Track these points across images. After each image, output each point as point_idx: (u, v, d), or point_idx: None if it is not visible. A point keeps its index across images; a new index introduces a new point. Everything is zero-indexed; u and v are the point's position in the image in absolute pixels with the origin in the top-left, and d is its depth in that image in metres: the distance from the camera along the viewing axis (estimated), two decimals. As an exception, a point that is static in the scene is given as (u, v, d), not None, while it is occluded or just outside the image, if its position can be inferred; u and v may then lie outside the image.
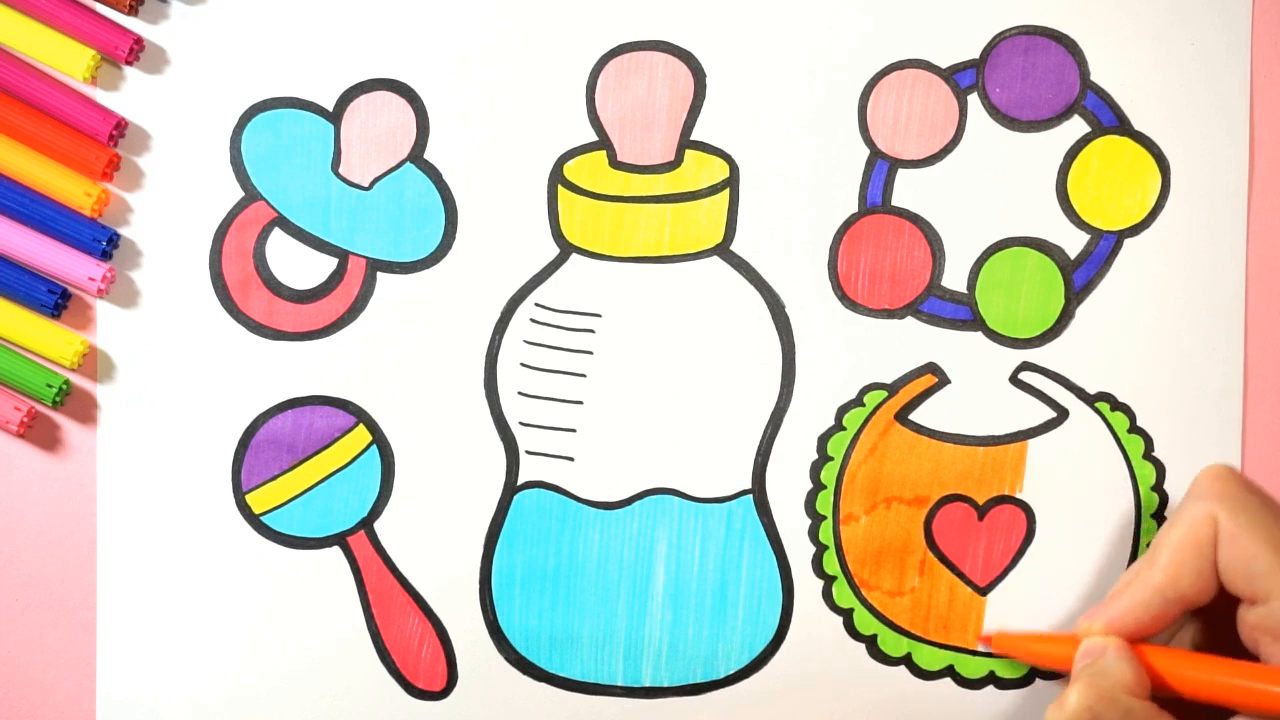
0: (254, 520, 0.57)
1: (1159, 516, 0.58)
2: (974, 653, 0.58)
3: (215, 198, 0.57)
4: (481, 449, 0.57)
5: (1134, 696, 0.50)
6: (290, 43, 0.57)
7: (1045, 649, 0.54)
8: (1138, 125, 0.58)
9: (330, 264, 0.57)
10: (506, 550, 0.57)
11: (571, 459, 0.57)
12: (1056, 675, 0.58)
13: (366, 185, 0.57)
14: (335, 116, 0.57)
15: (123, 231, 0.57)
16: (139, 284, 0.57)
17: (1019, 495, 0.58)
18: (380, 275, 0.57)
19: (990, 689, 0.58)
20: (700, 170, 0.57)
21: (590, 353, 0.57)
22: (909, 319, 0.58)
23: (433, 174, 0.57)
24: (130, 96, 0.57)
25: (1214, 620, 0.53)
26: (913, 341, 0.58)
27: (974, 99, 0.57)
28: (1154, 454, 0.58)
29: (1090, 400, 0.58)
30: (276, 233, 0.57)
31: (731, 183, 0.57)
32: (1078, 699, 0.49)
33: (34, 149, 0.56)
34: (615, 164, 0.57)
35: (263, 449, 0.57)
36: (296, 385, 0.57)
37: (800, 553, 0.58)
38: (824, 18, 0.57)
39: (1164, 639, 0.54)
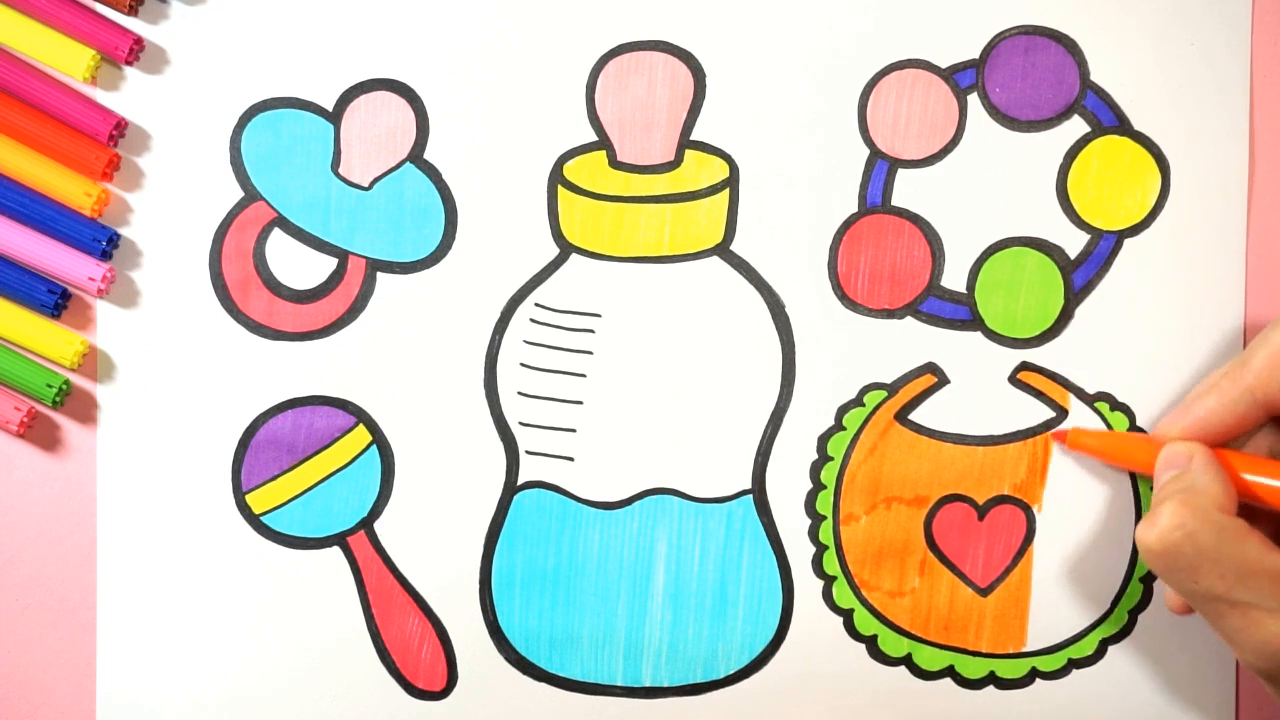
0: (254, 520, 0.57)
1: (1159, 516, 0.58)
2: (974, 653, 0.58)
3: (215, 198, 0.57)
4: (481, 449, 0.57)
5: (1225, 513, 0.49)
6: (290, 43, 0.57)
7: (1122, 449, 0.54)
8: (1138, 125, 0.58)
9: (330, 264, 0.57)
10: (506, 550, 0.57)
11: (571, 459, 0.57)
12: (1050, 678, 0.58)
13: (366, 185, 0.57)
14: (335, 116, 0.57)
15: (123, 231, 0.57)
16: (139, 284, 0.57)
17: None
18: (380, 275, 0.57)
19: (990, 689, 0.58)
20: (700, 170, 0.57)
21: (590, 353, 0.57)
22: (909, 319, 0.58)
23: (433, 174, 0.57)
24: (130, 96, 0.57)
25: None
26: (912, 341, 0.58)
27: (974, 99, 0.57)
28: (1154, 454, 0.58)
29: (1090, 400, 0.58)
30: (276, 233, 0.57)
31: (731, 183, 0.57)
32: (1170, 517, 0.49)
33: (34, 149, 0.56)
34: (615, 164, 0.57)
35: (263, 449, 0.57)
36: (296, 385, 0.57)
37: (800, 553, 0.58)
38: (824, 18, 0.57)
39: (1237, 446, 0.53)
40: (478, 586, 0.57)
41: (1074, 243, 0.58)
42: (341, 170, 0.57)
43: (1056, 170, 0.58)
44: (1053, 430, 0.57)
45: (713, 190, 0.57)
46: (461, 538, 0.57)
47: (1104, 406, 0.58)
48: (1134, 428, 0.57)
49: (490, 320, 0.57)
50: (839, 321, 0.58)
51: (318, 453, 0.57)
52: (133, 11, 0.56)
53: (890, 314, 0.58)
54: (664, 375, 0.57)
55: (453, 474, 0.57)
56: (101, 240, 0.56)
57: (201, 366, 0.57)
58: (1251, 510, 0.52)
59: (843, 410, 0.58)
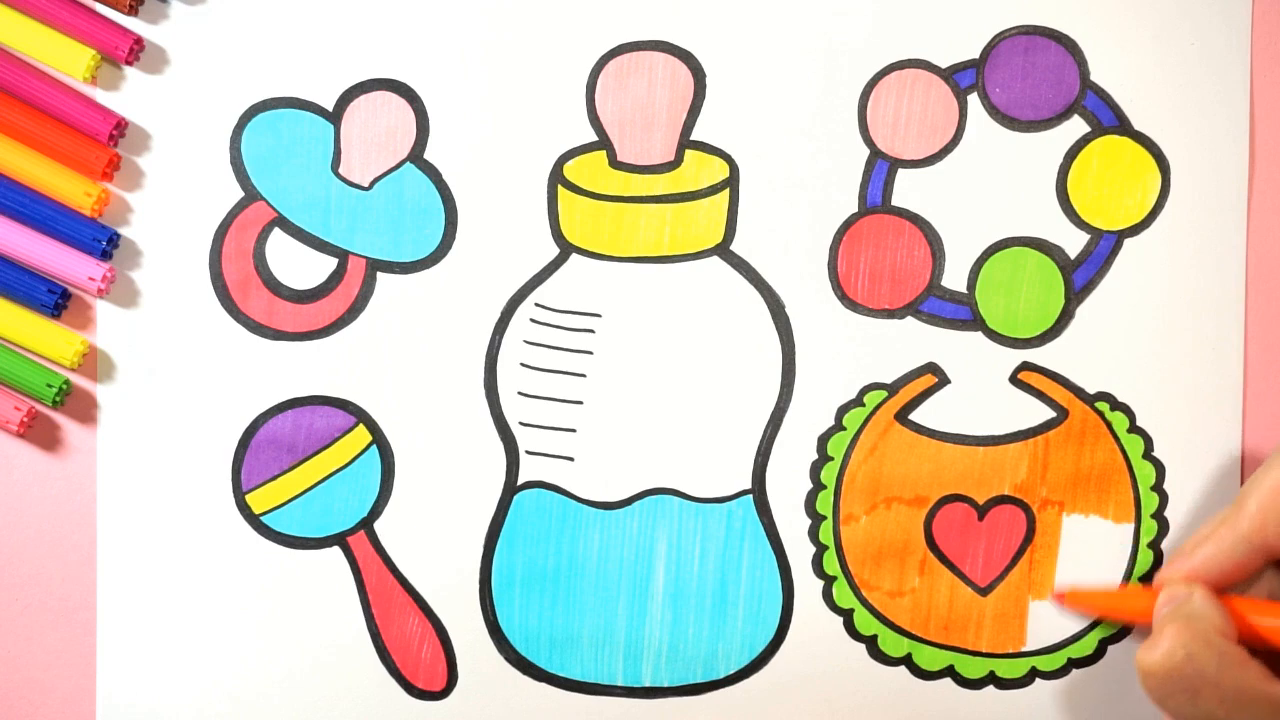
0: (254, 520, 0.57)
1: (1159, 516, 0.58)
2: (974, 653, 0.58)
3: (215, 198, 0.57)
4: (481, 449, 0.57)
5: (1226, 639, 0.49)
6: (290, 43, 0.57)
7: (1122, 602, 0.54)
8: (1138, 125, 0.58)
9: (330, 264, 0.57)
10: (506, 550, 0.57)
11: (571, 459, 0.57)
12: (1050, 678, 0.58)
13: (366, 185, 0.57)
14: (335, 116, 0.57)
15: (123, 231, 0.57)
16: (139, 284, 0.57)
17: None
18: (380, 275, 0.57)
19: (990, 689, 0.58)
20: (700, 170, 0.57)
21: (590, 353, 0.57)
22: (909, 319, 0.58)
23: (433, 174, 0.57)
24: (130, 96, 0.57)
25: None
26: (913, 341, 0.58)
27: (974, 99, 0.58)
28: (1154, 454, 0.58)
29: (1090, 400, 0.58)
30: (276, 233, 0.57)
31: (731, 183, 0.57)
32: (1172, 639, 0.49)
33: (34, 149, 0.56)
34: (615, 164, 0.57)
35: (263, 449, 0.57)
36: (296, 385, 0.57)
37: (800, 553, 0.58)
38: (824, 17, 0.57)
39: (1239, 591, 0.53)
40: (478, 586, 0.57)
41: (1074, 243, 0.58)
42: (341, 170, 0.57)
43: (1056, 170, 0.58)
44: (1052, 593, 0.57)
45: (713, 190, 0.57)
46: (461, 538, 0.57)
47: (1104, 406, 0.58)
48: (1134, 428, 0.58)
49: (490, 320, 0.57)
50: (839, 321, 0.58)
51: (318, 453, 0.57)
52: (133, 11, 0.56)
53: (890, 314, 0.58)
54: (664, 375, 0.57)
55: (453, 474, 0.57)
56: (101, 240, 0.56)
57: (201, 366, 0.57)
58: (1252, 653, 0.51)
59: (843, 410, 0.58)
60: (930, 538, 0.58)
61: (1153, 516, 0.58)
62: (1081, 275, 0.58)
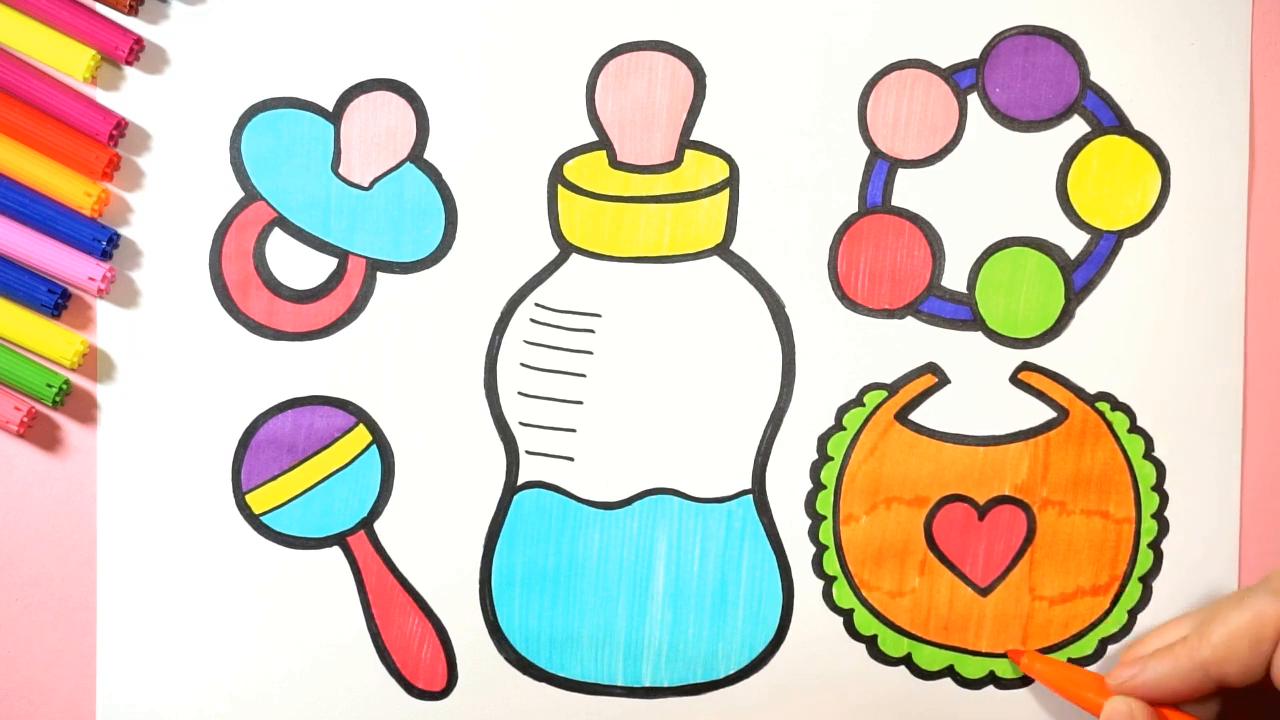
0: (254, 520, 0.57)
1: (1159, 516, 0.58)
2: (974, 653, 0.58)
3: (215, 198, 0.57)
4: (481, 449, 0.57)
5: None
6: (290, 43, 0.57)
7: (1072, 685, 0.55)
8: (1138, 125, 0.58)
9: (330, 264, 0.57)
10: (506, 550, 0.57)
11: (571, 459, 0.57)
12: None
13: (366, 185, 0.57)
14: (335, 116, 0.57)
15: (123, 231, 0.57)
16: (139, 284, 0.57)
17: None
18: (380, 275, 0.57)
19: (990, 689, 0.58)
20: (700, 170, 0.57)
21: (590, 353, 0.57)
22: (909, 319, 0.58)
23: (433, 174, 0.57)
24: (130, 96, 0.57)
25: (1241, 695, 0.53)
26: (913, 341, 0.58)
27: (974, 99, 0.58)
28: (1154, 454, 0.58)
29: (1090, 400, 0.58)
30: (276, 233, 0.57)
31: (731, 183, 0.57)
32: None
33: (34, 149, 0.56)
34: (615, 164, 0.57)
35: (263, 449, 0.57)
36: (296, 385, 0.57)
37: (800, 553, 0.58)
38: (824, 17, 0.57)
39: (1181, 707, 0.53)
40: (478, 586, 0.57)
41: (1074, 243, 0.58)
42: (341, 170, 0.57)
43: (1056, 170, 0.58)
44: (1009, 649, 0.57)
45: (713, 190, 0.57)
46: (461, 538, 0.57)
47: (1105, 406, 0.58)
48: (1134, 428, 0.58)
49: (490, 320, 0.57)
50: (839, 321, 0.58)
51: (318, 453, 0.57)
52: (133, 11, 0.56)
53: (890, 314, 0.58)
54: (664, 375, 0.57)
55: (453, 474, 0.57)
56: (101, 240, 0.56)
57: (201, 366, 0.57)
58: None
59: (843, 410, 0.58)
60: (930, 538, 0.58)
61: (1153, 516, 0.58)
62: (1081, 275, 0.58)
